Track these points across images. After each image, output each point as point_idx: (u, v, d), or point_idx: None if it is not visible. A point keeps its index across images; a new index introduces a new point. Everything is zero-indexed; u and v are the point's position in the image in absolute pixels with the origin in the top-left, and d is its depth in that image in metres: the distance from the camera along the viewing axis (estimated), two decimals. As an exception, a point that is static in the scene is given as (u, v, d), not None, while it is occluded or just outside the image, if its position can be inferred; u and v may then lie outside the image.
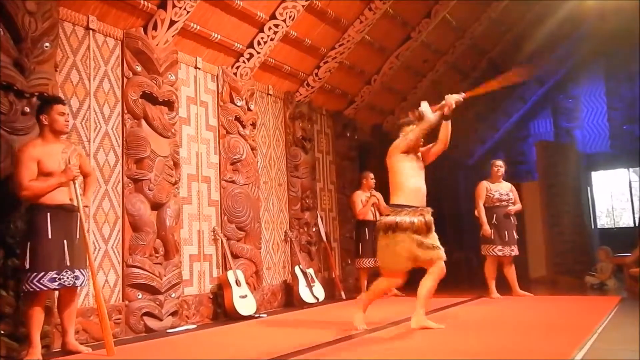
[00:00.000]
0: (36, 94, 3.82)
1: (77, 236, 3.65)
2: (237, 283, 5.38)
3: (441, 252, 3.96)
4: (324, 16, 6.47)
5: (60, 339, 3.80)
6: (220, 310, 5.39)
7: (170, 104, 5.05)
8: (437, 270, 3.94)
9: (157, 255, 4.78)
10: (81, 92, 4.43)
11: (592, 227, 11.47)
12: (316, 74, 7.02)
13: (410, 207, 3.96)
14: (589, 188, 11.91)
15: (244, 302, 5.33)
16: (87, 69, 4.51)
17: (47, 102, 3.72)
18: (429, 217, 4.00)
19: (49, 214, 3.50)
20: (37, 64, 3.85)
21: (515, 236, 6.33)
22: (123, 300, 4.50)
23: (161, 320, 4.67)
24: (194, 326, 4.96)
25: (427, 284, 3.97)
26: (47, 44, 3.92)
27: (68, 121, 3.80)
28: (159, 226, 4.82)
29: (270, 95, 6.75)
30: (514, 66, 4.16)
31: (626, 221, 13.21)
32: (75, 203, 3.64)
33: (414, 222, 3.90)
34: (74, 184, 3.64)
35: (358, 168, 8.13)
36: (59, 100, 3.78)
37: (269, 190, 6.54)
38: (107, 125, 4.62)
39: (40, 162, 3.52)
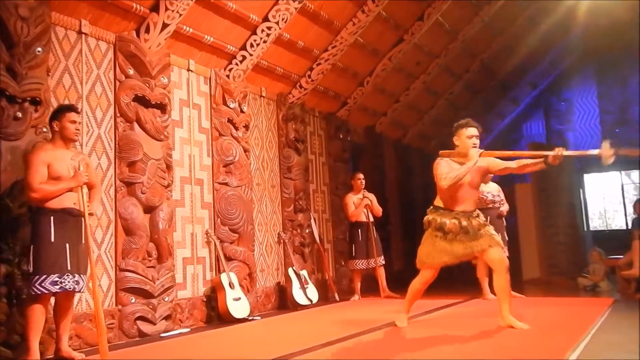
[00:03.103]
0: (28, 99, 3.81)
1: (82, 241, 3.65)
2: (231, 286, 5.38)
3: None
4: (316, 18, 6.47)
5: (53, 345, 3.78)
6: (214, 313, 5.38)
7: (162, 107, 5.04)
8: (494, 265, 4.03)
9: (150, 258, 4.76)
10: (73, 96, 4.41)
11: (585, 229, 11.52)
12: (309, 76, 7.02)
13: (445, 209, 4.07)
14: (581, 190, 11.98)
15: (237, 304, 5.33)
16: (79, 72, 4.49)
17: (61, 109, 3.74)
18: (467, 221, 4.03)
19: (52, 217, 3.50)
20: (29, 69, 3.83)
21: (506, 238, 6.34)
22: (116, 305, 4.49)
23: (154, 324, 4.66)
24: (188, 330, 4.95)
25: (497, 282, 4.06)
26: (39, 49, 3.90)
27: (79, 129, 3.81)
28: (152, 229, 4.80)
29: (263, 97, 6.75)
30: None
31: (618, 223, 13.30)
32: (80, 208, 3.63)
33: (446, 223, 4.00)
34: (82, 189, 3.65)
35: (351, 169, 8.14)
36: (72, 108, 3.78)
37: (262, 192, 6.53)
38: (100, 128, 4.60)
39: (50, 166, 3.54)
